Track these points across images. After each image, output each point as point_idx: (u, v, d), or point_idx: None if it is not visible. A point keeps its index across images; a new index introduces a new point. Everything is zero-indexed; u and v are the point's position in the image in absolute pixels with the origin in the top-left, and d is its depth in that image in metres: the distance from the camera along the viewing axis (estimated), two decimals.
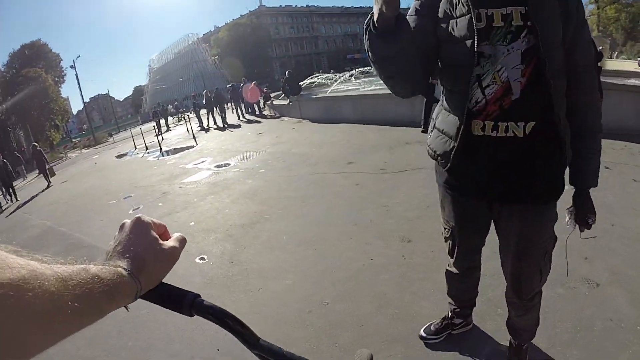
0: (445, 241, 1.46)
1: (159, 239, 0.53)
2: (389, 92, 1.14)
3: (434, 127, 1.29)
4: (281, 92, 12.83)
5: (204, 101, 14.80)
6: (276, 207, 4.05)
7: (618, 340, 1.62)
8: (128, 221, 0.53)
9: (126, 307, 0.47)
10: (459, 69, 1.10)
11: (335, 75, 14.63)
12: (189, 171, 6.95)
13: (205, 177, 6.14)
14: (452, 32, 1.09)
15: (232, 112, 15.05)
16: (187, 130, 13.07)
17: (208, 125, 14.18)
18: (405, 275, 2.38)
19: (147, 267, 0.48)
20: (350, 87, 12.61)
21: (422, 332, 1.80)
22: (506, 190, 1.17)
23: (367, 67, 16.51)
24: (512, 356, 1.57)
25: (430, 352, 1.74)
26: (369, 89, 11.61)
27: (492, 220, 1.33)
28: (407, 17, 1.10)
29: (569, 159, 1.16)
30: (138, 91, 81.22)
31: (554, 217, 1.22)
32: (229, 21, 62.44)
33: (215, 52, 57.35)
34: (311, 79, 14.50)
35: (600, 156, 1.16)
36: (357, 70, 14.82)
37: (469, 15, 1.05)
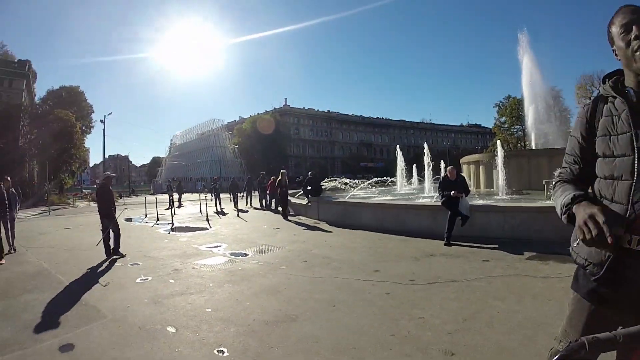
0: None
1: None
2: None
3: None
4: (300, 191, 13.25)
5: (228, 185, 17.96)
6: (302, 307, 3.75)
7: None
8: None
9: None
10: (618, 182, 1.16)
11: (351, 181, 15.21)
12: (203, 253, 6.71)
13: (220, 263, 5.91)
14: (613, 148, 1.18)
15: (241, 199, 17.08)
16: (200, 211, 13.35)
17: (222, 209, 15.15)
18: None
19: None
20: (367, 195, 12.96)
21: None
22: None
23: (381, 176, 17.22)
24: None
25: None
26: (387, 198, 11.92)
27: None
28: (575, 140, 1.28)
29: None
30: (155, 162, 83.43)
31: None
32: (254, 114, 65.05)
33: (236, 142, 58.70)
34: (329, 181, 15.07)
35: None
36: (373, 180, 15.44)
37: (629, 133, 1.13)
